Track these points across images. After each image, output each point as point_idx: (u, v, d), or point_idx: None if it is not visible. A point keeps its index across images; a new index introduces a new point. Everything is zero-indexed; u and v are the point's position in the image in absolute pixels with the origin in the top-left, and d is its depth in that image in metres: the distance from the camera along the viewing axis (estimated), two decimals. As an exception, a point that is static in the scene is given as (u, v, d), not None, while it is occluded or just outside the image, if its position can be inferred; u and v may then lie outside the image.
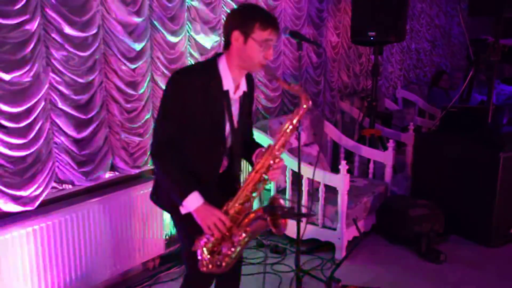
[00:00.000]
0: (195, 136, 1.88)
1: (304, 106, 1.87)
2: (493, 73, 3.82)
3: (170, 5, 3.03)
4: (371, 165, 4.08)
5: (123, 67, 2.82)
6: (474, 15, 3.95)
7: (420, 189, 3.99)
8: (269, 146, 1.91)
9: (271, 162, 1.88)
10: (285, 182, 3.56)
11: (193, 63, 1.97)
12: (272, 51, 1.88)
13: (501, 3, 3.57)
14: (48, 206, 2.62)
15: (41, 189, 2.48)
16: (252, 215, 1.87)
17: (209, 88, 1.84)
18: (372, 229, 3.76)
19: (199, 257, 1.87)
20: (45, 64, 2.44)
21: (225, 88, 1.88)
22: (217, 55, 1.92)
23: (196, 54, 3.30)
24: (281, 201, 1.86)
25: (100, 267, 2.81)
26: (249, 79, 2.05)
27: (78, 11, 2.52)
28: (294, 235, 3.36)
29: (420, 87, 6.57)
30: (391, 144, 3.87)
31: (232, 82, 1.90)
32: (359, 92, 5.41)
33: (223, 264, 1.86)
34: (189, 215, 1.87)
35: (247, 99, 2.03)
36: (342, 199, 3.28)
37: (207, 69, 1.89)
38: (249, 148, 2.03)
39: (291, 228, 3.49)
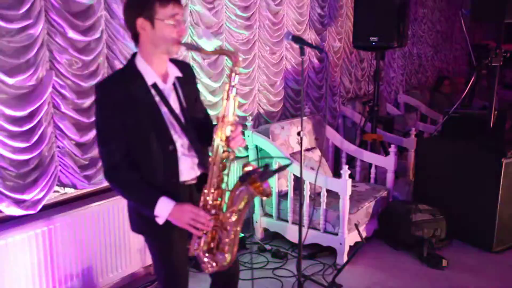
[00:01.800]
0: (139, 141, 1.77)
1: (235, 62, 1.79)
2: (495, 78, 3.82)
3: (173, 9, 3.04)
4: (373, 170, 4.07)
5: (126, 71, 2.83)
6: (476, 20, 3.95)
7: (422, 194, 3.98)
8: (218, 117, 1.79)
9: (228, 132, 1.78)
10: (287, 186, 3.56)
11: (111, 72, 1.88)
12: (183, 26, 1.80)
13: (503, 8, 3.58)
14: (51, 210, 2.62)
15: (43, 192, 2.48)
16: (233, 193, 1.79)
17: (131, 90, 1.74)
18: (374, 234, 3.75)
19: (202, 260, 1.82)
20: (49, 68, 2.45)
21: (149, 82, 1.78)
22: (133, 55, 1.83)
23: (198, 59, 3.31)
24: (252, 166, 1.77)
25: (102, 271, 2.81)
26: (182, 64, 1.95)
27: (82, 15, 2.54)
28: (295, 240, 3.36)
29: (422, 92, 6.57)
30: (393, 149, 3.87)
31: (154, 74, 1.79)
32: (361, 97, 5.42)
33: (226, 255, 1.81)
34: (160, 231, 1.82)
35: (187, 83, 1.90)
36: (343, 204, 3.27)
37: (124, 71, 1.82)
38: (210, 133, 1.86)
39: (293, 233, 3.51)
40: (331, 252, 3.44)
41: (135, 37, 1.80)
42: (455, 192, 3.76)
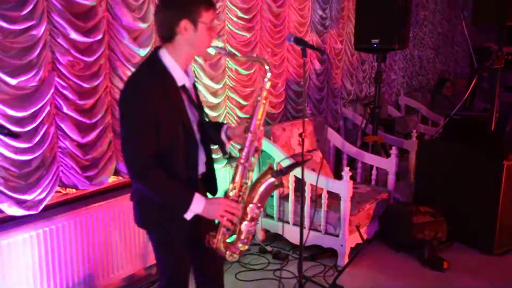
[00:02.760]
0: (169, 142, 1.81)
1: (268, 74, 1.92)
2: (496, 81, 3.82)
3: (175, 11, 3.05)
4: (374, 172, 4.07)
5: (128, 73, 2.83)
6: (478, 23, 3.95)
7: (423, 196, 3.98)
8: (251, 119, 1.94)
9: (258, 132, 1.94)
10: (288, 188, 3.57)
11: (136, 69, 1.90)
12: (216, 29, 1.89)
13: (504, 11, 3.58)
14: (52, 210, 2.63)
15: (45, 193, 2.49)
16: (258, 186, 1.93)
17: (167, 90, 1.78)
18: (375, 236, 3.75)
19: (224, 253, 1.91)
20: (51, 69, 2.45)
21: (179, 83, 1.82)
22: (156, 51, 1.84)
23: (200, 60, 3.32)
24: (280, 165, 1.97)
25: (103, 271, 2.81)
26: None
27: (84, 17, 2.54)
28: (296, 242, 3.36)
29: (423, 94, 6.58)
30: (394, 151, 3.87)
31: (184, 74, 1.85)
32: (362, 99, 5.42)
33: (247, 245, 1.94)
34: (174, 231, 1.90)
35: (195, 86, 2.01)
36: (345, 205, 3.27)
37: (156, 70, 1.81)
38: (213, 128, 2.02)
39: (294, 234, 3.51)
40: (332, 253, 3.44)
41: (168, 37, 1.81)
42: (456, 194, 3.76)
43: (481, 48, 4.85)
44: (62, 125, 2.56)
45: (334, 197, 3.40)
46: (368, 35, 4.20)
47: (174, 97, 1.81)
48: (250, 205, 1.92)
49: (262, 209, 1.96)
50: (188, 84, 1.88)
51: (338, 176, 3.81)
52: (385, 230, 3.74)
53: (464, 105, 4.83)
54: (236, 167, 1.93)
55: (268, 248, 3.60)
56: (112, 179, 2.95)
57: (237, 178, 1.91)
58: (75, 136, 2.61)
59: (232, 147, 3.61)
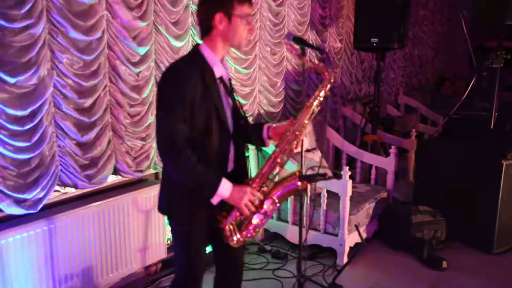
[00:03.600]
0: (202, 130, 1.85)
1: (329, 81, 1.95)
2: (496, 80, 3.82)
3: (174, 10, 3.04)
4: (373, 171, 4.07)
5: (127, 71, 2.83)
6: (477, 22, 3.95)
7: (422, 196, 3.98)
8: (297, 120, 1.97)
9: (299, 134, 1.96)
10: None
11: (179, 58, 1.98)
12: (253, 24, 1.91)
13: (504, 10, 3.58)
14: (51, 209, 2.62)
15: (44, 192, 2.48)
16: (281, 185, 1.96)
17: (205, 79, 1.84)
18: (374, 235, 3.76)
19: (231, 234, 1.93)
20: (50, 68, 2.45)
21: (217, 75, 1.88)
22: (197, 46, 1.91)
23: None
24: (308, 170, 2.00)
25: (102, 271, 2.81)
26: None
27: (83, 15, 2.54)
28: (295, 241, 3.36)
29: (423, 93, 6.57)
30: (393, 150, 3.87)
31: (222, 67, 1.91)
32: (361, 98, 5.42)
33: (253, 234, 1.96)
34: (198, 219, 1.93)
35: (230, 82, 2.05)
36: (344, 205, 3.27)
37: (196, 60, 1.88)
38: (251, 127, 2.07)
39: (293, 234, 3.51)
40: (331, 253, 3.44)
41: (207, 31, 1.87)
42: (455, 194, 3.76)
43: (480, 48, 4.85)
44: (61, 124, 2.56)
45: (333, 197, 3.40)
46: (367, 34, 4.20)
47: (211, 86, 1.86)
48: (268, 200, 1.95)
49: (277, 207, 1.99)
50: (225, 77, 1.93)
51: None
52: (384, 229, 3.74)
53: (463, 104, 4.83)
54: (268, 160, 1.96)
55: (267, 248, 3.60)
56: (111, 178, 2.95)
57: (264, 171, 1.95)
58: (74, 135, 2.61)
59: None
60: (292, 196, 3.52)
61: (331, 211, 3.39)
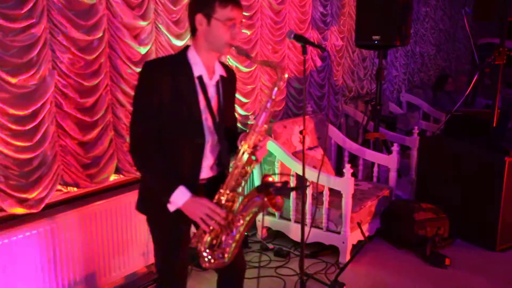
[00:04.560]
0: (171, 128, 1.81)
1: (280, 77, 1.83)
2: (498, 77, 3.80)
3: (175, 8, 3.04)
4: (376, 169, 4.07)
5: (128, 71, 2.83)
6: (479, 19, 3.93)
7: (424, 193, 3.98)
8: (252, 125, 1.85)
9: (257, 141, 1.84)
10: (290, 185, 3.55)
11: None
12: (239, 30, 1.87)
13: (506, 7, 3.57)
14: (53, 209, 2.63)
15: (46, 191, 2.49)
16: (246, 199, 1.84)
17: (178, 75, 1.81)
18: (377, 233, 3.75)
19: (201, 254, 1.85)
20: (51, 67, 2.45)
21: (196, 74, 1.84)
22: (186, 47, 1.90)
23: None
24: (271, 179, 1.82)
25: (105, 269, 2.81)
26: (228, 69, 2.03)
27: (84, 14, 2.54)
28: (298, 239, 3.36)
29: (425, 91, 6.56)
30: (395, 148, 3.86)
31: (203, 67, 1.86)
32: (363, 96, 5.41)
33: (225, 255, 1.84)
34: (167, 219, 1.86)
35: (228, 86, 1.98)
36: (346, 202, 3.27)
37: (176, 58, 1.89)
38: (234, 139, 1.93)
39: (295, 231, 3.51)
40: (334, 251, 3.44)
41: (193, 31, 1.87)
42: (458, 191, 3.75)
43: (483, 45, 4.83)
44: (63, 124, 2.56)
45: (335, 194, 3.40)
46: (369, 32, 4.18)
47: (185, 85, 1.82)
48: (237, 217, 1.83)
49: (243, 225, 1.83)
50: (207, 79, 1.87)
51: (339, 173, 3.81)
52: (387, 227, 3.73)
53: (465, 101, 4.82)
54: (230, 173, 1.85)
55: (270, 246, 3.60)
56: (113, 178, 2.95)
57: (230, 184, 1.83)
58: (76, 134, 2.61)
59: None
60: (294, 195, 3.52)
61: (334, 208, 3.39)
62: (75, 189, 2.77)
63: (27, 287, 2.43)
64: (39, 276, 2.48)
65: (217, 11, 1.78)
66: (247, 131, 1.90)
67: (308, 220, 3.39)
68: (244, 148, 1.83)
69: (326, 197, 3.37)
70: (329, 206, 3.39)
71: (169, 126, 1.81)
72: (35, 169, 2.44)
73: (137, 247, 2.99)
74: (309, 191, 3.42)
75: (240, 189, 1.86)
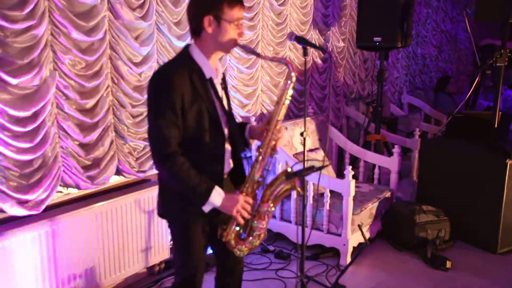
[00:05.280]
0: (194, 132, 1.85)
1: (293, 74, 1.94)
2: (499, 78, 3.79)
3: (176, 10, 3.04)
4: (376, 171, 4.06)
5: (129, 72, 2.83)
6: (481, 20, 3.93)
7: (425, 195, 3.97)
8: (272, 120, 1.96)
9: (276, 132, 1.96)
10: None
11: (167, 61, 2.01)
12: (243, 28, 1.89)
13: (508, 8, 3.56)
14: (54, 210, 2.62)
15: (47, 193, 2.48)
16: (272, 188, 1.96)
17: (193, 79, 1.82)
18: (378, 235, 3.74)
19: (234, 247, 1.95)
20: (52, 69, 2.45)
21: (207, 76, 1.87)
22: (187, 46, 1.90)
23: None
24: (294, 167, 1.99)
25: (105, 271, 2.81)
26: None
27: (85, 16, 2.54)
28: (298, 241, 3.35)
29: (426, 92, 6.55)
30: (396, 150, 3.85)
31: (211, 68, 1.89)
32: (364, 97, 5.41)
33: (259, 240, 1.98)
34: (192, 223, 1.93)
35: (225, 83, 2.04)
36: (347, 204, 3.26)
37: (185, 61, 1.87)
38: (241, 131, 2.06)
39: (295, 233, 3.50)
40: (335, 253, 3.43)
41: (196, 32, 1.87)
42: (459, 193, 3.74)
43: (484, 46, 4.83)
44: (64, 125, 2.56)
45: (336, 196, 3.39)
46: (370, 33, 4.18)
47: (201, 87, 1.85)
48: (264, 204, 1.95)
49: (274, 209, 1.99)
50: (215, 79, 1.91)
51: (340, 175, 3.80)
52: (388, 229, 3.72)
53: (467, 103, 4.81)
54: (253, 165, 1.95)
55: (270, 248, 3.60)
56: (114, 179, 2.95)
57: (252, 176, 1.94)
58: (76, 135, 2.61)
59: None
60: (295, 196, 3.51)
61: (334, 211, 3.38)
62: (76, 190, 2.77)
63: (27, 288, 2.43)
64: (40, 278, 2.48)
65: (225, 12, 1.80)
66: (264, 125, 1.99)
67: (308, 222, 3.38)
68: (267, 141, 1.95)
69: (326, 199, 3.36)
70: (329, 208, 3.39)
71: (192, 129, 1.84)
72: (35, 170, 2.43)
73: (137, 248, 2.99)
74: (309, 193, 3.41)
75: (262, 179, 1.97)
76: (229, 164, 2.03)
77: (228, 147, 1.99)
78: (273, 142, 1.96)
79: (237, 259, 2.15)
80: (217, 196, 1.85)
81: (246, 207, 1.89)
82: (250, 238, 1.96)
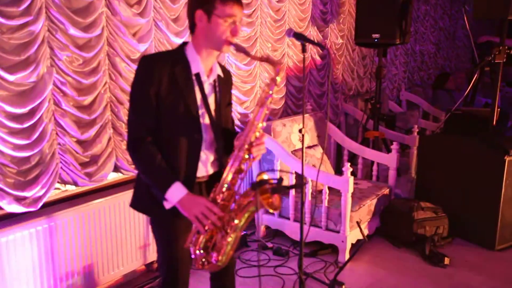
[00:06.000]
0: (168, 123, 1.79)
1: (278, 79, 1.82)
2: (498, 75, 3.79)
3: (174, 6, 3.03)
4: (375, 168, 4.06)
5: (127, 68, 2.82)
6: (479, 17, 3.92)
7: (424, 192, 3.97)
8: (249, 121, 1.83)
9: (253, 138, 1.80)
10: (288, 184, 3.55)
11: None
12: (239, 27, 1.83)
13: (506, 5, 3.55)
14: (52, 207, 2.62)
15: (44, 190, 2.48)
16: (242, 199, 1.78)
17: (175, 71, 1.78)
18: (376, 231, 3.75)
19: (193, 256, 1.78)
20: (49, 65, 2.44)
21: (194, 71, 1.82)
22: (185, 43, 1.88)
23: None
24: (267, 176, 1.76)
25: (103, 268, 2.81)
26: (225, 70, 2.01)
27: (83, 12, 2.52)
28: (297, 238, 3.35)
29: (424, 89, 6.54)
30: (395, 147, 3.85)
31: (201, 65, 1.84)
32: (363, 94, 5.40)
33: (219, 258, 1.76)
34: (165, 217, 1.84)
35: (225, 87, 1.96)
36: (345, 201, 3.26)
37: (174, 54, 1.86)
38: (231, 139, 1.89)
39: (294, 230, 3.50)
40: (333, 249, 3.43)
41: (192, 27, 1.85)
42: (457, 190, 3.74)
43: (482, 43, 4.82)
44: (61, 122, 2.55)
45: (334, 193, 3.39)
46: (369, 30, 4.17)
47: (183, 79, 1.80)
48: (229, 216, 1.76)
49: (241, 225, 1.76)
50: (203, 76, 1.85)
51: (338, 171, 3.80)
52: (386, 226, 3.73)
53: (465, 100, 4.81)
54: (226, 167, 1.82)
55: (269, 244, 3.60)
56: (112, 176, 2.94)
57: (225, 182, 1.79)
58: (74, 132, 2.60)
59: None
60: (293, 194, 3.51)
61: (333, 207, 3.38)
62: (74, 187, 2.76)
63: (25, 285, 2.43)
64: (38, 275, 2.47)
65: (217, 7, 1.76)
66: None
67: (307, 219, 3.38)
68: (240, 145, 1.80)
69: (325, 196, 3.36)
70: (328, 205, 3.39)
71: (165, 120, 1.79)
72: (33, 167, 2.43)
73: (135, 245, 2.99)
74: (308, 190, 3.41)
75: (235, 188, 1.81)
76: (207, 169, 1.89)
77: (210, 151, 1.89)
78: (250, 146, 1.80)
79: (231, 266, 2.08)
80: (175, 193, 1.73)
81: (208, 214, 1.71)
82: (213, 252, 1.75)
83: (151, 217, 1.98)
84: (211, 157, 1.91)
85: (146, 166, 1.79)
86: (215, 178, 1.88)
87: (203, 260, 1.79)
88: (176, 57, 1.83)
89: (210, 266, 1.79)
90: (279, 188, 1.74)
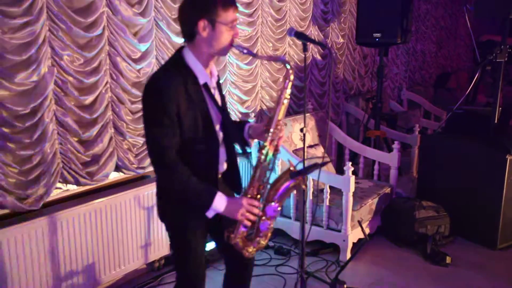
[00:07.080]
0: (188, 137, 1.82)
1: (291, 71, 1.92)
2: (499, 74, 3.78)
3: (175, 6, 3.03)
4: (376, 167, 4.06)
5: (128, 68, 2.82)
6: (480, 16, 3.92)
7: (425, 191, 3.97)
8: (273, 120, 1.93)
9: (277, 132, 1.93)
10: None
11: (161, 66, 1.98)
12: (237, 29, 1.86)
13: (508, 3, 3.55)
14: (53, 206, 2.62)
15: (46, 189, 2.48)
16: (278, 185, 1.93)
17: (188, 89, 1.79)
18: (377, 231, 3.74)
19: (242, 248, 1.93)
20: (51, 65, 2.44)
21: (201, 81, 1.84)
22: (179, 50, 1.86)
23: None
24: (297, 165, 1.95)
25: (105, 267, 2.81)
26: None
27: (84, 12, 2.53)
28: (298, 237, 3.35)
29: (426, 88, 6.54)
30: (396, 146, 3.85)
31: (205, 73, 1.85)
32: (364, 94, 5.40)
33: (266, 240, 1.96)
34: (197, 228, 1.94)
35: (220, 86, 2.02)
36: (347, 200, 3.26)
37: (178, 68, 1.82)
38: (237, 126, 2.04)
39: (295, 230, 3.50)
40: (334, 249, 3.43)
41: (190, 36, 1.82)
42: (459, 189, 3.74)
43: (484, 42, 4.81)
44: (63, 121, 2.55)
45: (336, 192, 3.39)
46: (370, 29, 4.17)
47: (195, 94, 1.81)
48: (269, 204, 1.93)
49: (280, 208, 1.96)
50: (210, 83, 1.88)
51: (340, 171, 3.80)
52: (388, 225, 3.72)
53: (466, 99, 4.80)
54: (256, 166, 1.93)
55: (270, 244, 3.60)
56: (113, 175, 2.94)
57: (256, 177, 1.92)
58: (75, 132, 2.60)
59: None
60: (295, 192, 3.51)
61: (334, 207, 3.38)
62: (75, 186, 2.77)
63: (27, 285, 2.43)
64: (39, 274, 2.47)
65: (220, 15, 1.76)
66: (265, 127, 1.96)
67: (308, 218, 3.38)
68: (270, 140, 1.92)
69: (326, 195, 3.36)
70: (329, 204, 3.39)
71: (186, 135, 1.81)
72: (35, 166, 2.43)
73: (137, 245, 2.99)
74: (309, 189, 3.41)
75: (265, 179, 1.93)
76: (223, 165, 2.00)
77: (222, 149, 1.97)
78: (275, 142, 1.93)
79: (245, 259, 2.11)
80: (220, 202, 1.84)
81: (251, 210, 1.87)
82: (257, 238, 1.95)
83: (177, 227, 1.99)
84: (225, 157, 2.00)
85: (186, 185, 1.81)
86: (228, 172, 2.03)
87: (249, 247, 1.95)
88: (183, 72, 1.81)
89: (258, 247, 1.96)
90: (309, 168, 1.91)
